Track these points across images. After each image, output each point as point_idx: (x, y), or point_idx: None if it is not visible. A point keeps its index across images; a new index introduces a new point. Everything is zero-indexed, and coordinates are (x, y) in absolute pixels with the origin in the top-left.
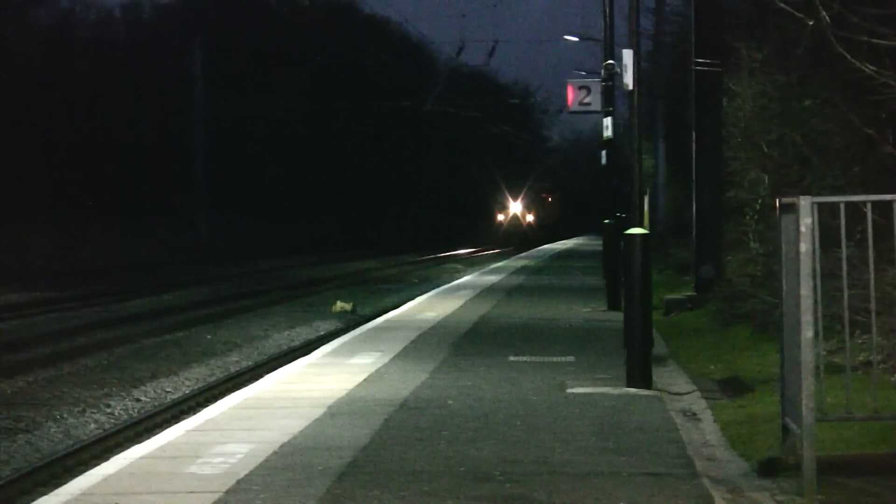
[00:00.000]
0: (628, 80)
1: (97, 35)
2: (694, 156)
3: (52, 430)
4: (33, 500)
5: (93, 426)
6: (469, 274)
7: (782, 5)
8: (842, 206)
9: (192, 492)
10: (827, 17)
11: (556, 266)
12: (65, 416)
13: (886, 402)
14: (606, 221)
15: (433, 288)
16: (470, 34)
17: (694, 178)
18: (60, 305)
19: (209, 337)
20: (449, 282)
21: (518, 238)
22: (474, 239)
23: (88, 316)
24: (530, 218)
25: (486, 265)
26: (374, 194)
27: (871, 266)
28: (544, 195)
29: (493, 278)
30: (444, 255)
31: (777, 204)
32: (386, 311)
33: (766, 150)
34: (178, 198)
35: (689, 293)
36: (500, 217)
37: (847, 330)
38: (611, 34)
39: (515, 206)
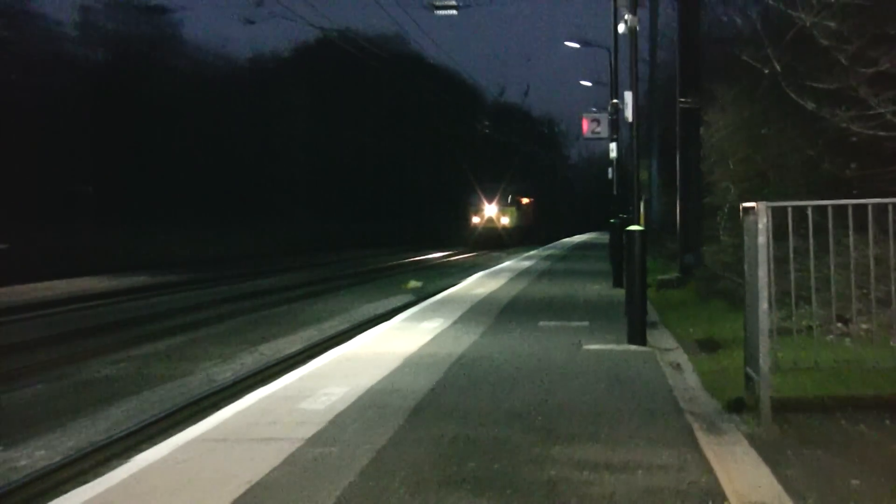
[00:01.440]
0: (629, 114)
1: (227, 80)
2: (678, 171)
3: (199, 377)
4: (185, 429)
5: (228, 374)
6: (508, 260)
7: (745, 58)
8: (789, 210)
9: (302, 423)
10: (778, 67)
11: (574, 255)
12: (207, 367)
13: (824, 357)
14: (612, 221)
15: (480, 271)
16: (509, 79)
17: (679, 188)
18: (197, 285)
19: (313, 307)
20: (493, 266)
21: (492, 241)
22: (447, 241)
23: (220, 293)
24: (505, 221)
25: (521, 254)
26: (429, 203)
27: (812, 254)
28: (520, 198)
29: (526, 263)
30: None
31: (741, 208)
32: (446, 289)
33: (733, 166)
34: (283, 202)
35: (676, 275)
36: (476, 219)
37: (794, 302)
38: (615, 79)
39: (490, 209)
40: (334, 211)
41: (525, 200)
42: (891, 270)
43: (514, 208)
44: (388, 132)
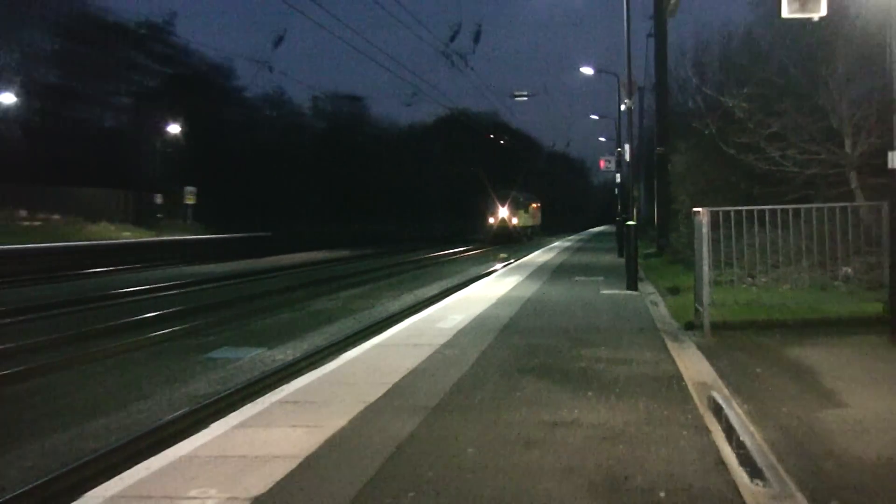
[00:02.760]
0: (626, 156)
1: (395, 138)
2: (656, 189)
3: (378, 308)
4: (370, 339)
5: (396, 306)
6: (557, 241)
7: (695, 125)
8: (720, 213)
9: (438, 335)
10: (714, 129)
11: (595, 239)
12: (384, 302)
13: (740, 298)
14: (618, 218)
15: (540, 248)
16: (558, 135)
17: (656, 199)
18: (376, 257)
19: (442, 270)
20: (548, 245)
21: (504, 238)
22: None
23: (391, 261)
24: (515, 221)
25: (565, 237)
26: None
27: (733, 238)
28: (528, 202)
29: (567, 244)
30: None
31: (692, 211)
32: (521, 259)
33: (687, 187)
34: (425, 209)
35: (654, 250)
36: (491, 220)
37: (722, 265)
38: (619, 136)
39: (503, 212)
40: (433, 216)
41: (534, 205)
42: (779, 247)
43: (522, 211)
44: (484, 168)
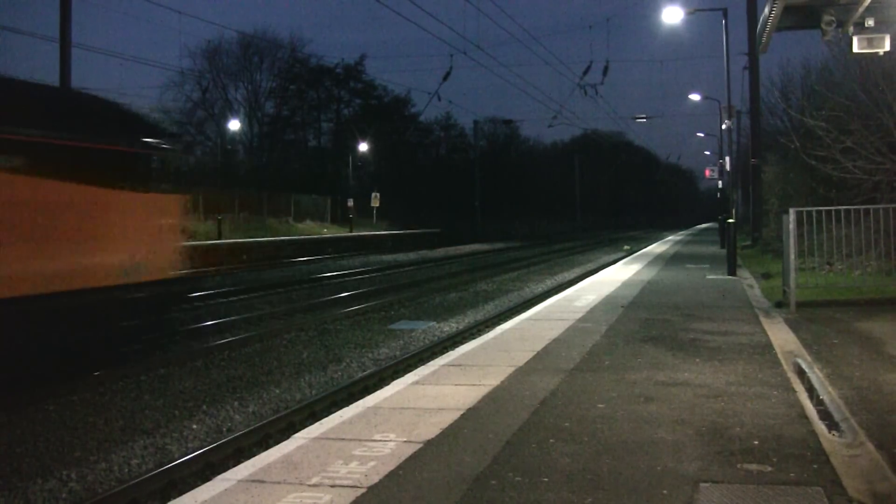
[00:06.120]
0: (728, 167)
1: (539, 153)
2: (751, 193)
3: (526, 290)
4: (519, 314)
5: (540, 288)
6: (671, 235)
7: (782, 140)
8: (804, 213)
9: (574, 312)
10: (798, 144)
11: (701, 234)
12: (530, 285)
13: (819, 281)
14: (720, 217)
15: (657, 241)
16: (670, 151)
17: (751, 201)
18: (527, 248)
19: (578, 258)
20: (663, 239)
21: None
22: None
23: (537, 251)
24: None
25: (677, 231)
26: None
27: (814, 232)
28: None
29: (679, 237)
30: None
31: (780, 212)
32: (640, 250)
33: (775, 191)
34: (569, 211)
35: (749, 243)
36: None
37: (805, 255)
38: (721, 150)
39: None
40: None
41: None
42: (851, 240)
43: None
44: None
